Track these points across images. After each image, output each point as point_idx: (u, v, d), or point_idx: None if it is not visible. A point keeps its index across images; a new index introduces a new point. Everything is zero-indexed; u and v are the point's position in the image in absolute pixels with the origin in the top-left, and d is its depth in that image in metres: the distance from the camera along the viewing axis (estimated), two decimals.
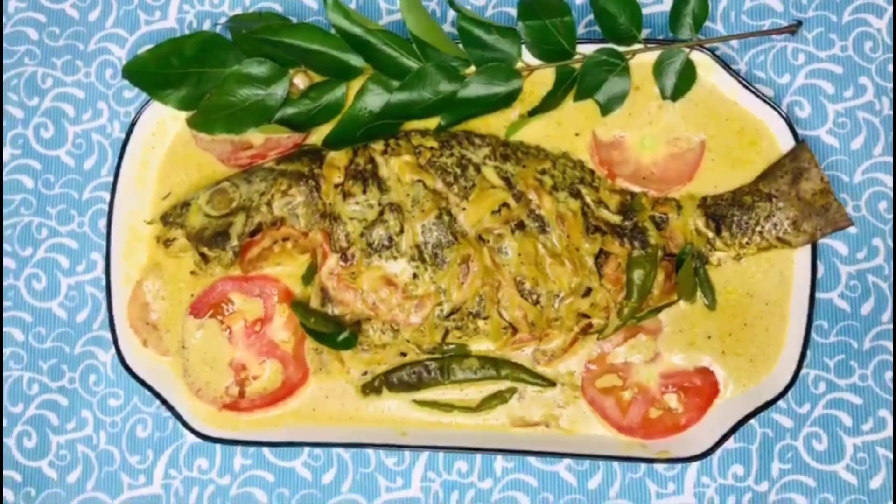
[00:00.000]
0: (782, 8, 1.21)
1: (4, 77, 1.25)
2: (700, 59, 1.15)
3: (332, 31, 1.13)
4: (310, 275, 1.16)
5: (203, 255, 1.13)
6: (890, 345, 1.17)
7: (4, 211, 1.24)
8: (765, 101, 1.14)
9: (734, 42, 1.21)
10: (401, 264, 1.10)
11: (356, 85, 1.15)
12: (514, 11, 1.20)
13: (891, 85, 1.20)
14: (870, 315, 1.18)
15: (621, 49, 1.15)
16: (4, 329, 1.22)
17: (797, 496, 1.15)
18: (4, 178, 1.24)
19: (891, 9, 1.20)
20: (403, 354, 1.15)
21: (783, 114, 1.14)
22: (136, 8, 1.26)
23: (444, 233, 1.10)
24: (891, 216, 1.19)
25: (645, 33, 1.20)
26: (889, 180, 1.19)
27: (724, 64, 1.14)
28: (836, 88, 1.21)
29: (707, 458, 1.13)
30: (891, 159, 1.19)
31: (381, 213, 1.10)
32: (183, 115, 1.17)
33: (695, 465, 1.16)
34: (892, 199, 1.18)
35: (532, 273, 1.09)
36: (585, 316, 1.12)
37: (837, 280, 1.18)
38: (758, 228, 1.12)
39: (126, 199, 1.17)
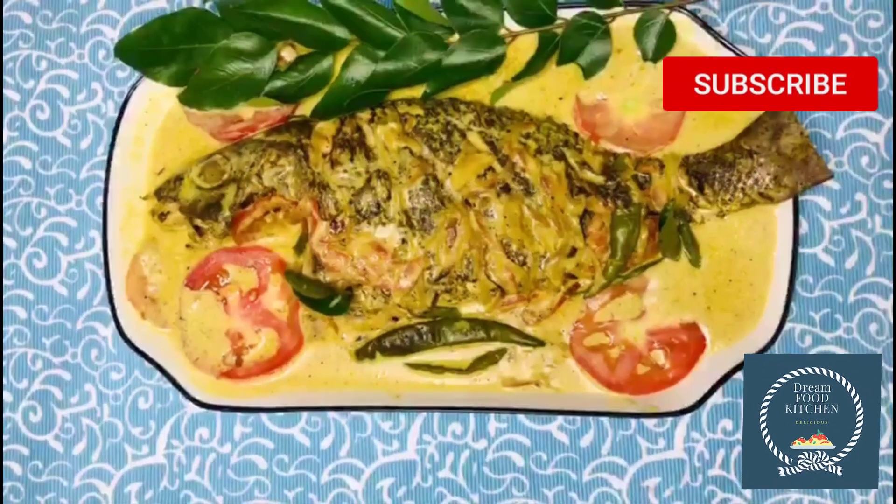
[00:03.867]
0: None
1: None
2: (680, 20, 1.14)
3: (317, 3, 1.14)
4: (301, 244, 1.16)
5: (197, 228, 1.13)
6: (874, 298, 1.18)
7: (4, 192, 1.25)
8: None
9: (715, 3, 1.21)
10: (389, 230, 1.10)
11: (342, 56, 1.16)
12: None
13: (871, 41, 1.20)
14: (854, 269, 1.18)
15: (602, 12, 1.15)
16: (7, 307, 1.24)
17: None
18: (3, 161, 1.25)
19: None
20: (395, 319, 1.15)
21: None
22: None
23: (430, 198, 1.10)
24: (873, 171, 1.20)
25: None
26: (871, 136, 1.20)
27: (705, 25, 1.15)
28: (816, 46, 1.20)
29: (696, 413, 1.15)
30: (873, 115, 1.19)
31: (369, 180, 1.11)
32: (174, 92, 1.17)
33: (684, 421, 1.17)
34: (876, 155, 1.20)
35: (518, 235, 1.10)
36: (572, 276, 1.12)
37: (821, 235, 1.19)
38: (740, 185, 1.12)
39: (121, 175, 1.18)
